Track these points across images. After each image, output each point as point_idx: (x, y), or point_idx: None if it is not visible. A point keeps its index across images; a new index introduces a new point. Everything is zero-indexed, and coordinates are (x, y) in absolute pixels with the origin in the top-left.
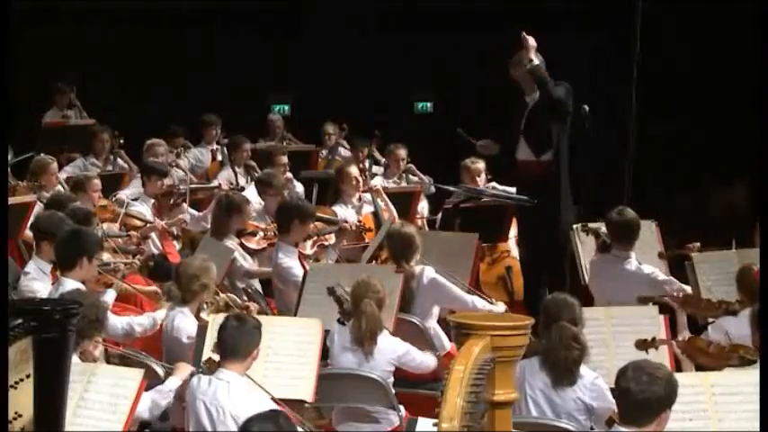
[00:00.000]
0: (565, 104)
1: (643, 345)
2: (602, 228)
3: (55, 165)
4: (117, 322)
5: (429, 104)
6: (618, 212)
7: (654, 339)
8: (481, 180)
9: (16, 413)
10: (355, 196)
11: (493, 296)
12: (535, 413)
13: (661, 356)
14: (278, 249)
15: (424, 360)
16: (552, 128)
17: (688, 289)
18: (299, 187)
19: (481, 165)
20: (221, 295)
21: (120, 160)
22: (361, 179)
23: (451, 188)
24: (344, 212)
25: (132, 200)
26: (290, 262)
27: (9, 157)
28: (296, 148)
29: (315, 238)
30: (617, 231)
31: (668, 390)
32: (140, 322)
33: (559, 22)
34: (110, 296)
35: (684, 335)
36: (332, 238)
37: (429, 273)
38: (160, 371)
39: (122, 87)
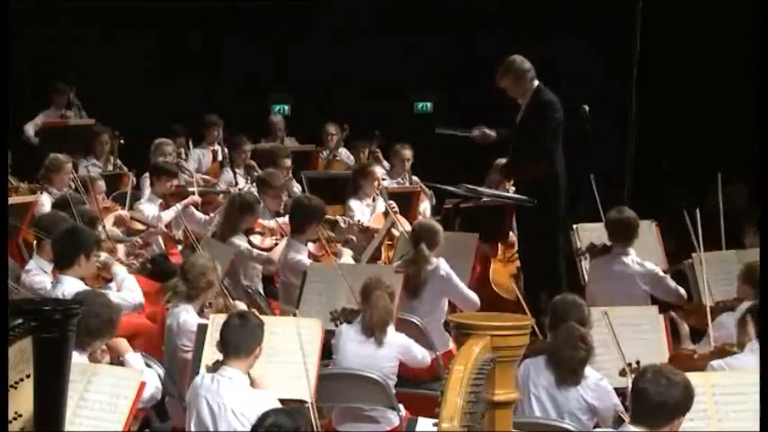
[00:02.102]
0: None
1: (625, 372)
2: (593, 235)
3: (69, 165)
4: (126, 298)
5: (429, 104)
6: (618, 211)
7: (638, 363)
8: (509, 182)
9: (16, 413)
10: (371, 196)
11: (502, 294)
12: (538, 412)
13: (660, 352)
14: (289, 247)
15: (425, 356)
16: (544, 137)
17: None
18: (297, 187)
19: None
20: (219, 299)
21: (119, 160)
22: (381, 181)
23: (452, 188)
24: (360, 209)
25: (137, 199)
26: (301, 256)
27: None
28: (296, 148)
29: (322, 242)
30: (616, 229)
31: (685, 396)
32: (138, 291)
33: (559, 22)
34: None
35: (687, 345)
36: (338, 247)
37: (445, 266)
38: (160, 371)
39: (122, 87)
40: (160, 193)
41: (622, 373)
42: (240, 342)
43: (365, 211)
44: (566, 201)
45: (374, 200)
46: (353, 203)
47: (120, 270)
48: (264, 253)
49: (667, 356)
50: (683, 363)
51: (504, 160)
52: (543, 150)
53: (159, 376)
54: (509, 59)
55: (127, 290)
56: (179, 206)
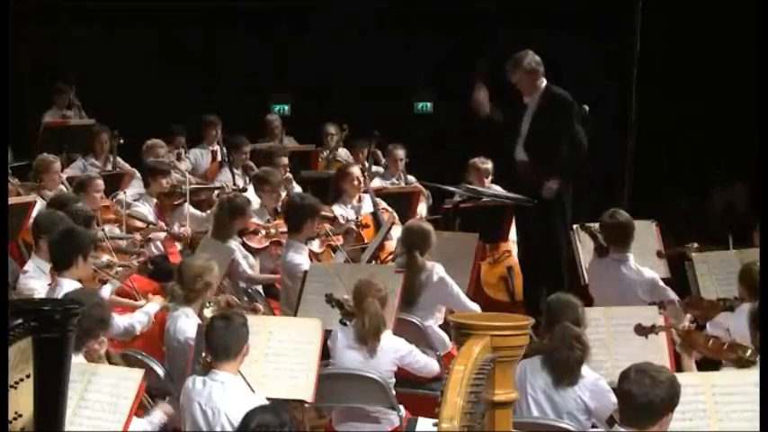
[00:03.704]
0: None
1: (642, 330)
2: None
3: (58, 164)
4: (119, 321)
5: (429, 104)
6: (611, 215)
7: (653, 326)
8: (487, 181)
9: (16, 413)
10: (355, 197)
11: (494, 296)
12: (536, 413)
13: (660, 350)
14: (288, 247)
15: (428, 363)
16: (572, 126)
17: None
18: (297, 189)
19: (490, 165)
20: (222, 296)
21: (119, 159)
22: (362, 179)
23: (452, 188)
24: (344, 212)
25: (134, 200)
26: (300, 259)
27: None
28: (296, 148)
29: (323, 237)
30: (612, 234)
31: (671, 393)
32: (140, 320)
33: (559, 22)
34: (106, 291)
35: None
36: (340, 239)
37: (440, 271)
38: (160, 371)
39: (122, 87)
40: (155, 193)
41: (638, 331)
42: (228, 343)
43: (349, 213)
44: (570, 200)
45: (360, 200)
46: (336, 209)
47: (151, 306)
48: (249, 271)
49: (668, 357)
50: (696, 344)
51: (480, 159)
52: (578, 139)
53: (160, 376)
54: (521, 53)
55: (134, 318)
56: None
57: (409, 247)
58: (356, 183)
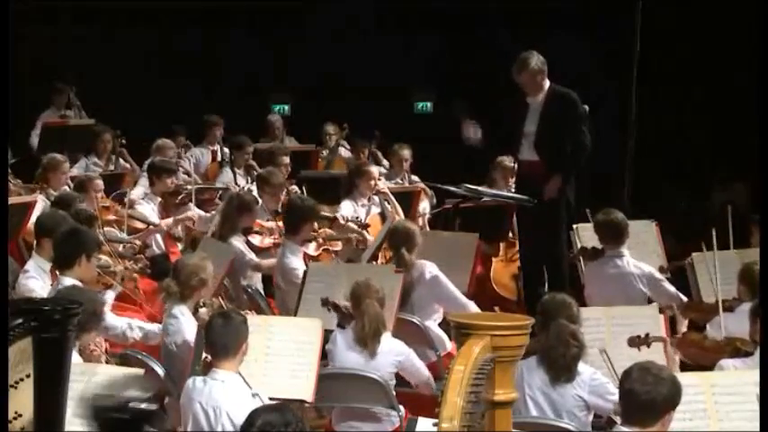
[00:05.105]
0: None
1: (636, 341)
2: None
3: (67, 164)
4: (116, 321)
5: (429, 104)
6: (604, 213)
7: (647, 336)
8: (512, 180)
9: (16, 413)
10: (367, 196)
11: (503, 294)
12: (535, 412)
13: (660, 350)
14: (285, 248)
15: (420, 368)
16: (582, 123)
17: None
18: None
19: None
20: (215, 299)
21: (121, 160)
22: (378, 181)
23: (452, 188)
24: (353, 209)
25: (139, 199)
26: (296, 262)
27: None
28: (296, 148)
29: (321, 241)
30: (605, 231)
31: (673, 391)
32: (141, 326)
33: (559, 22)
34: (109, 297)
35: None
36: (338, 245)
37: (432, 269)
38: (160, 371)
39: (122, 87)
40: (160, 192)
41: (631, 343)
42: (227, 341)
43: (359, 211)
44: (573, 199)
45: (369, 200)
46: (345, 204)
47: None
48: (255, 258)
49: (666, 358)
50: (693, 348)
51: (508, 158)
52: (581, 141)
53: (159, 376)
54: (527, 54)
55: (136, 322)
56: (170, 221)
57: (396, 248)
58: (372, 183)
